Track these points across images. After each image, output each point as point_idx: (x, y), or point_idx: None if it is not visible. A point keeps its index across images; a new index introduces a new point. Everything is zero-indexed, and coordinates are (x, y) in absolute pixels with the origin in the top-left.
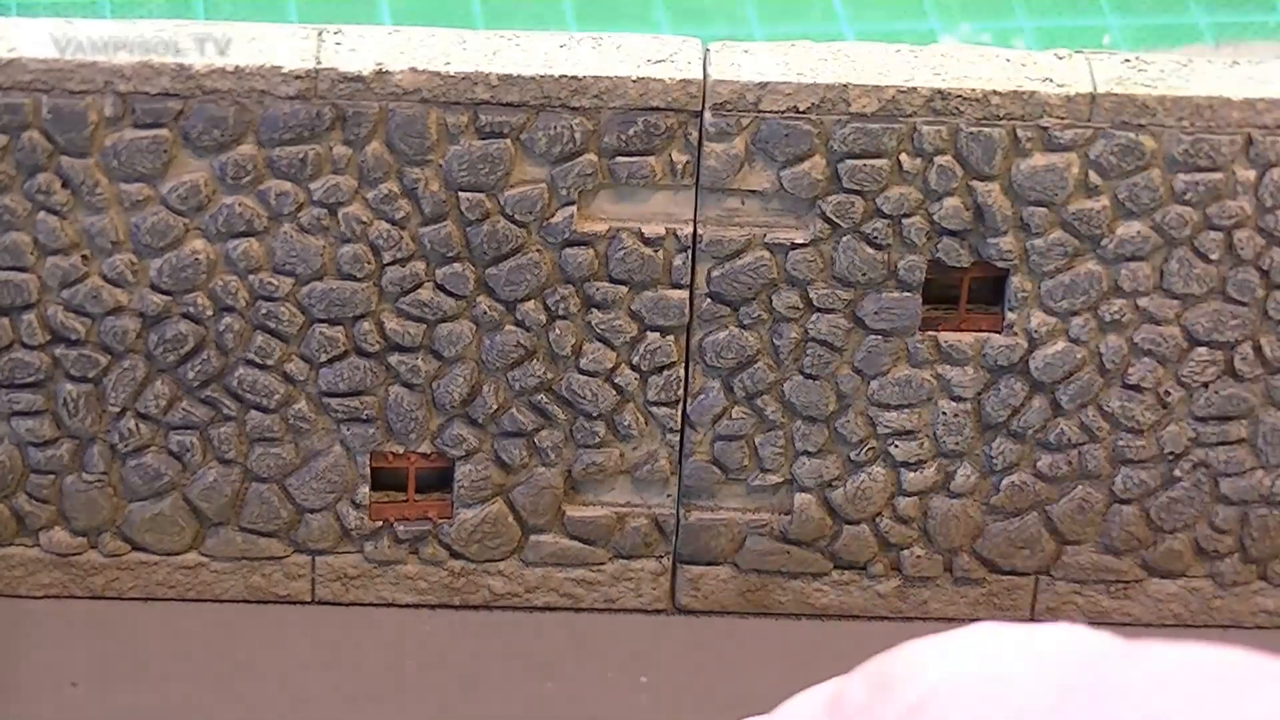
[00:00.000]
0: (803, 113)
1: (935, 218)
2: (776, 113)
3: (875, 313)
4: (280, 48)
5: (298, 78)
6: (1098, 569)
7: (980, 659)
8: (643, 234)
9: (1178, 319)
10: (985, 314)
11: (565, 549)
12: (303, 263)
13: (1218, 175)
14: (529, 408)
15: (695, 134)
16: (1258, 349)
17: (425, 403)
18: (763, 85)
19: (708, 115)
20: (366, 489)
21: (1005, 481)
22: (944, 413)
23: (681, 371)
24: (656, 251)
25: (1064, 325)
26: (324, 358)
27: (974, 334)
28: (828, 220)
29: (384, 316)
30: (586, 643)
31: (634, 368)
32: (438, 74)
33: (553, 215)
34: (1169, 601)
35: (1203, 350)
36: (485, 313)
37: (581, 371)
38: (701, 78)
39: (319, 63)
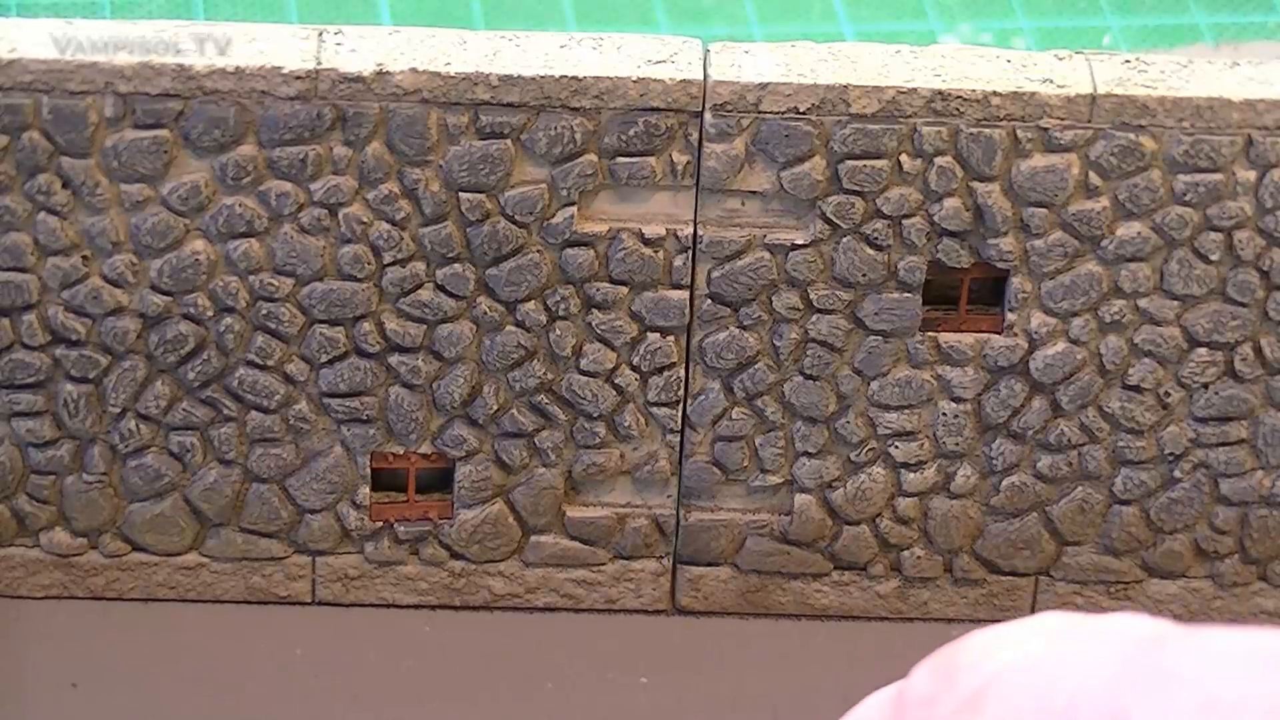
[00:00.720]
0: (803, 113)
1: (935, 218)
2: (777, 113)
3: (875, 313)
4: (280, 48)
5: (298, 78)
6: (1098, 569)
7: (1040, 645)
8: (643, 234)
9: (1178, 320)
10: (985, 315)
11: (566, 549)
12: (303, 263)
13: (1218, 176)
14: (529, 408)
15: (695, 134)
16: (1258, 350)
17: (425, 403)
18: (763, 86)
19: (708, 116)
20: (367, 489)
21: (1005, 482)
22: (944, 413)
23: (682, 372)
24: (657, 252)
25: (1064, 326)
26: (324, 358)
27: (974, 335)
28: (828, 221)
29: (384, 317)
30: (586, 643)
31: (634, 368)
32: (438, 74)
33: (553, 215)
34: (1169, 602)
35: (1203, 351)
36: (486, 313)
37: (582, 372)
38: (702, 78)
39: (319, 63)
